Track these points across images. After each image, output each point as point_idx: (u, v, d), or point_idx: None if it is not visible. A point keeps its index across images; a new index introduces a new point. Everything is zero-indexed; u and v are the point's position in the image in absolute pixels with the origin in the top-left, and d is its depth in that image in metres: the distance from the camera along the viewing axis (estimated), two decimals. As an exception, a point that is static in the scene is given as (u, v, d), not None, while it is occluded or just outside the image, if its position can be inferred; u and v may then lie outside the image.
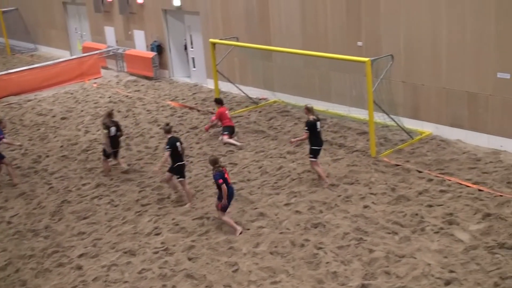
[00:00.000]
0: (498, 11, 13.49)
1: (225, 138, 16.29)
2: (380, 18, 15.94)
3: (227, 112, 16.74)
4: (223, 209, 11.49)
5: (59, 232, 12.34)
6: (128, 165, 15.29)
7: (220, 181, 11.25)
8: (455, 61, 14.56)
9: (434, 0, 14.61)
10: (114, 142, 14.87)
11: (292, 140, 13.83)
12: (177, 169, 12.90)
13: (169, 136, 12.95)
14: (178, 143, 12.81)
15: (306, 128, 12.98)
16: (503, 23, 13.47)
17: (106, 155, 14.96)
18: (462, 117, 14.79)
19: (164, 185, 13.62)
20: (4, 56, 32.24)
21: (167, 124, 13.37)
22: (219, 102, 16.80)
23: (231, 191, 11.57)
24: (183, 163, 13.00)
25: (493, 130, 14.23)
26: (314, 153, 13.13)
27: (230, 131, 16.51)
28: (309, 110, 13.11)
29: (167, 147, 12.74)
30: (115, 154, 15.08)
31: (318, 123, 13.08)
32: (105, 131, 14.73)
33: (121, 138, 15.40)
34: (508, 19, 13.35)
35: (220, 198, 11.51)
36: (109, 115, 14.98)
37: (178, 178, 12.99)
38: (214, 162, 11.50)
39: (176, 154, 12.81)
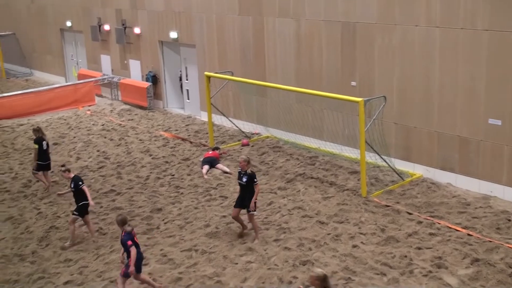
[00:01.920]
0: (489, 57, 13.67)
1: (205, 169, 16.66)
2: (374, 59, 16.14)
3: (210, 152, 17.44)
4: (125, 275, 10.35)
5: (45, 258, 12.26)
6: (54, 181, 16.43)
7: (129, 242, 10.26)
8: (447, 105, 14.71)
9: (427, 44, 14.84)
10: (46, 155, 16.02)
11: (253, 203, 12.45)
12: (82, 207, 12.92)
13: (72, 175, 13.20)
14: (80, 182, 12.97)
15: (256, 180, 12.47)
16: (494, 69, 13.65)
17: (37, 169, 15.96)
18: (453, 160, 14.89)
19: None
20: (-1, 79, 32.41)
21: (63, 165, 13.63)
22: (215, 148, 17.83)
23: (140, 255, 10.54)
24: (88, 202, 12.98)
25: (483, 175, 14.32)
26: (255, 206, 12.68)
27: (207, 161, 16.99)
28: (249, 162, 12.56)
29: (80, 183, 12.91)
30: (48, 167, 16.17)
31: None
32: (36, 146, 15.83)
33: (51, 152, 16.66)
34: (499, 66, 13.55)
35: (127, 264, 10.35)
36: (38, 130, 16.08)
37: (77, 215, 12.95)
38: (123, 222, 10.55)
39: (81, 193, 12.92)
